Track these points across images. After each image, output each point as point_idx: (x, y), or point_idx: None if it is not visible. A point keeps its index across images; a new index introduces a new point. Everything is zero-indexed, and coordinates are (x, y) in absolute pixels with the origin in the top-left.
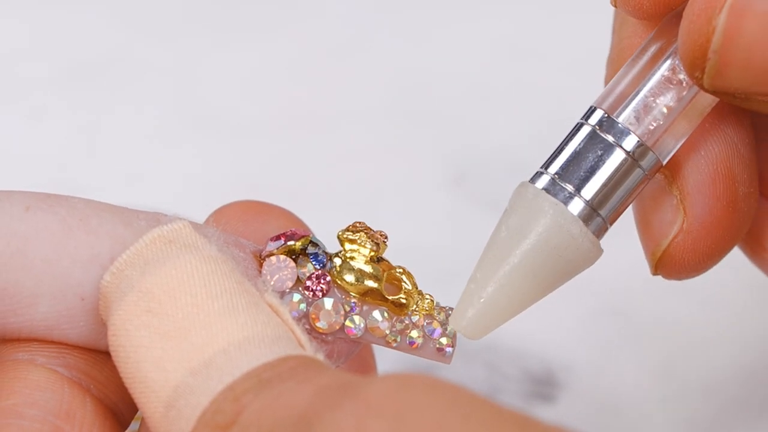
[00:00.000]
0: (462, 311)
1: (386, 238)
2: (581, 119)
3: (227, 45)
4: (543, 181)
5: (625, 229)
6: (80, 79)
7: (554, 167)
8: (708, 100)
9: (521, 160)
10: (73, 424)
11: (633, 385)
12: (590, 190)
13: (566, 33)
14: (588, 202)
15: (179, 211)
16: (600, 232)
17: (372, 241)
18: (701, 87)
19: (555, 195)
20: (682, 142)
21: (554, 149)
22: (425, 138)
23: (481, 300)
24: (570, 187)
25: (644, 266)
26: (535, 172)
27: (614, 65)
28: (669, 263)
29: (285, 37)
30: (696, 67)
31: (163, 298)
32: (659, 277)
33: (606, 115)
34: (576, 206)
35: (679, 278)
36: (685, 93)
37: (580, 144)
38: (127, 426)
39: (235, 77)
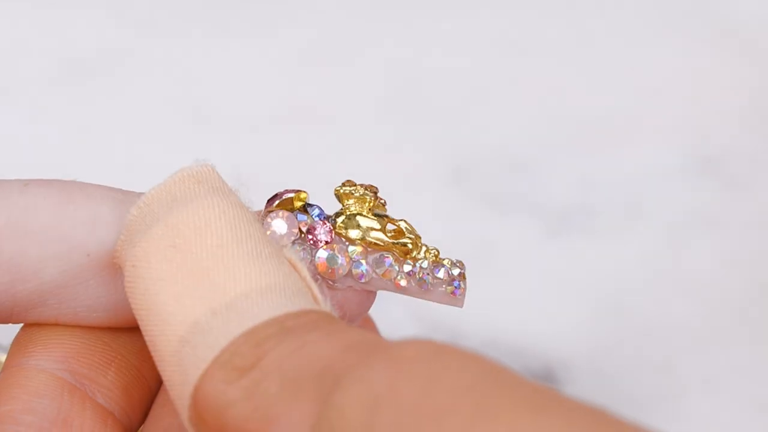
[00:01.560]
0: None
1: (375, 191)
2: None
3: (227, 42)
4: None
5: (626, 228)
6: (79, 76)
7: None
8: None
9: (521, 157)
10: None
11: (633, 383)
12: None
13: (566, 30)
14: None
15: None
16: None
17: (370, 192)
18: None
19: None
20: None
21: None
22: (425, 135)
23: None
24: None
25: (644, 265)
26: None
27: None
28: None
29: (285, 34)
30: None
31: (189, 234)
32: (659, 276)
33: None
34: None
35: None
36: None
37: None
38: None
39: (235, 74)
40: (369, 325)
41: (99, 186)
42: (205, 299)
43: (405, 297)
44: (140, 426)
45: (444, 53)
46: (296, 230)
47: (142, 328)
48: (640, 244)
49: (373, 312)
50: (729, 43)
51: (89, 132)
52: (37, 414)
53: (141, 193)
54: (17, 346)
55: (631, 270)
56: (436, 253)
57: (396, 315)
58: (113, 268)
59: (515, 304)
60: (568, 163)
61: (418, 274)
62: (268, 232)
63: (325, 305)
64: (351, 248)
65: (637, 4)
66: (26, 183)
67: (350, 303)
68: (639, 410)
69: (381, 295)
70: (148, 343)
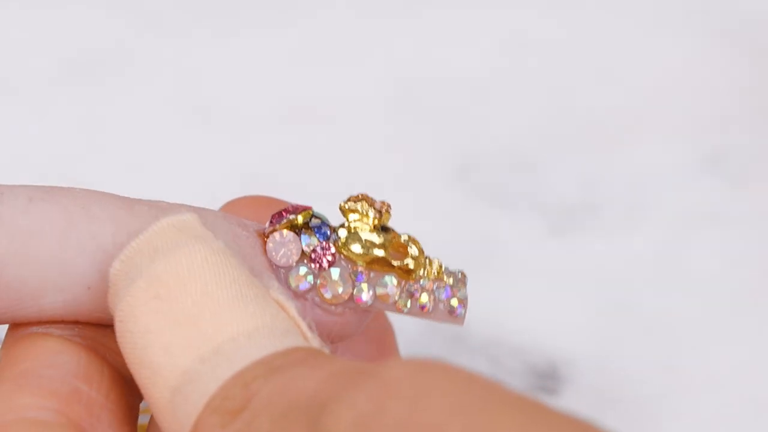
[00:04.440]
0: None
1: (389, 207)
2: None
3: (230, 39)
4: None
5: (630, 226)
6: (82, 75)
7: None
8: None
9: (525, 155)
10: (91, 386)
11: (636, 380)
12: None
13: (570, 29)
14: None
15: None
16: None
17: (374, 209)
18: None
19: None
20: None
21: None
22: (428, 133)
23: None
24: None
25: (649, 262)
26: None
27: None
28: None
29: (288, 31)
30: None
31: (172, 284)
32: (664, 272)
33: None
34: None
35: None
36: None
37: None
38: (141, 397)
39: (238, 71)
40: (389, 333)
41: (102, 202)
42: (192, 348)
43: None
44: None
45: (447, 51)
46: (300, 252)
47: (136, 380)
48: (645, 242)
49: None
50: (734, 41)
51: (93, 131)
52: (59, 368)
53: (146, 202)
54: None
55: (635, 268)
56: (439, 267)
57: (398, 315)
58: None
59: (519, 302)
60: (572, 161)
61: (419, 297)
62: (271, 254)
63: (314, 342)
64: (352, 272)
65: (642, 3)
66: (30, 198)
67: (349, 325)
68: (642, 408)
69: None
70: (143, 394)
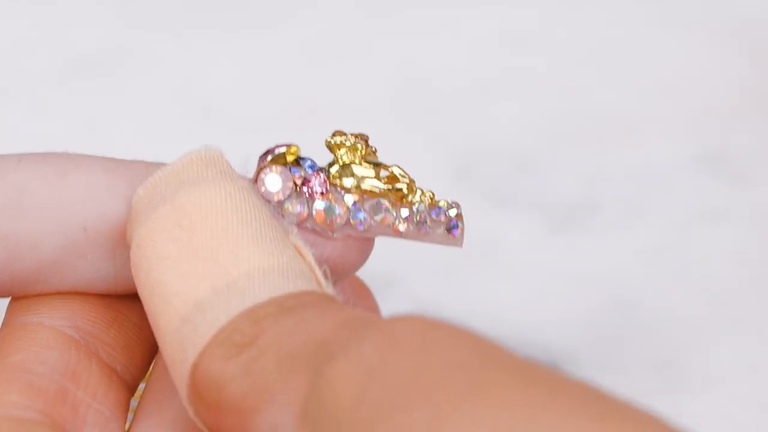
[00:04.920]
0: None
1: (366, 138)
2: None
3: (229, 38)
4: None
5: (630, 224)
6: (82, 73)
7: None
8: None
9: (525, 154)
10: (78, 385)
11: (637, 378)
12: None
13: (569, 26)
14: None
15: None
16: None
17: (361, 140)
18: None
19: None
20: None
21: None
22: (428, 132)
23: None
24: None
25: (649, 261)
26: None
27: None
28: None
29: (288, 31)
30: None
31: (195, 215)
32: (665, 270)
33: None
34: None
35: None
36: None
37: None
38: (134, 389)
39: (238, 71)
40: (374, 311)
41: (91, 157)
42: (208, 279)
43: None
44: (139, 382)
45: (447, 50)
46: (291, 184)
47: (145, 307)
48: (645, 240)
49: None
50: (734, 41)
51: (92, 130)
52: (48, 365)
53: (132, 161)
54: (17, 304)
55: (635, 266)
56: (431, 195)
57: (398, 309)
58: (111, 242)
59: (519, 300)
60: (572, 159)
61: (416, 218)
62: (263, 189)
63: (328, 288)
64: (347, 197)
65: (642, 3)
66: (20, 159)
67: (350, 252)
68: (643, 405)
69: (382, 292)
70: (150, 322)
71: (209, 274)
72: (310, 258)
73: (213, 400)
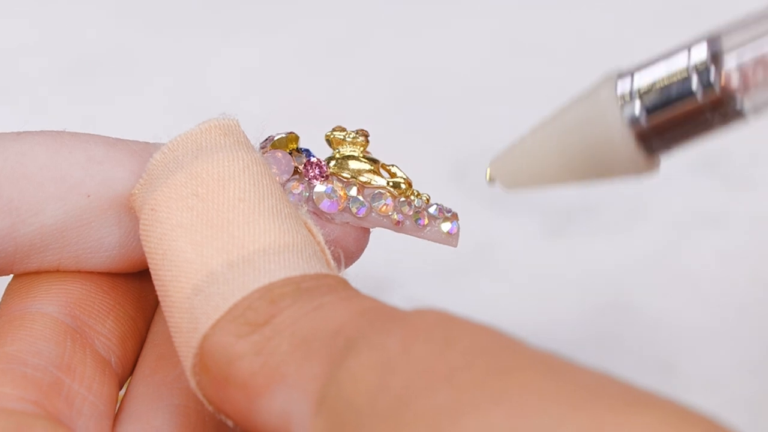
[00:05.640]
0: (498, 154)
1: (367, 134)
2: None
3: (230, 41)
4: (626, 85)
5: (627, 227)
6: (81, 74)
7: (645, 79)
8: None
9: None
10: (73, 378)
11: (636, 379)
12: (658, 117)
13: (567, 27)
14: (647, 122)
15: None
16: (654, 155)
17: (361, 135)
18: None
19: (624, 104)
20: None
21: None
22: (427, 134)
23: (515, 148)
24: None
25: (646, 263)
26: (631, 69)
27: None
28: None
29: (287, 33)
30: None
31: (212, 185)
32: (661, 275)
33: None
34: (634, 120)
35: None
36: None
37: (677, 72)
38: (124, 383)
39: (238, 73)
40: None
41: (90, 134)
42: (222, 251)
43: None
44: (129, 376)
45: (446, 52)
46: (292, 167)
47: (153, 272)
48: (642, 242)
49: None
50: None
51: (92, 131)
52: (43, 357)
53: (131, 141)
54: (13, 292)
55: (632, 269)
56: (428, 197)
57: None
58: (115, 209)
59: (517, 303)
60: None
61: (414, 212)
62: None
63: (336, 272)
64: (348, 186)
65: (642, 3)
66: (19, 133)
67: (347, 239)
68: None
69: (379, 294)
70: (158, 288)
71: (224, 247)
72: (320, 238)
73: (220, 374)
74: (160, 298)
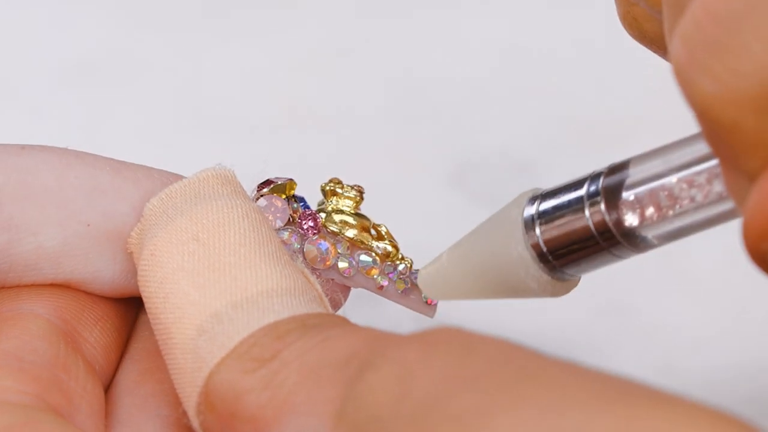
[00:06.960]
0: (426, 267)
1: (362, 191)
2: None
3: (229, 43)
4: (533, 208)
5: None
6: (81, 76)
7: (548, 203)
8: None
9: (520, 159)
10: (69, 376)
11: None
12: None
13: (565, 32)
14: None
15: None
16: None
17: (356, 191)
18: (755, 253)
19: (528, 228)
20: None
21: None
22: (425, 137)
23: (439, 263)
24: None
25: (647, 264)
26: (545, 191)
27: None
28: None
29: (286, 37)
30: (761, 240)
31: (212, 230)
32: (662, 276)
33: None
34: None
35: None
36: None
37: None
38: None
39: (237, 76)
40: None
41: (94, 155)
42: (226, 293)
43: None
44: (107, 387)
45: (445, 55)
46: (288, 216)
47: (153, 316)
48: None
49: (372, 311)
50: None
51: (91, 132)
52: (38, 354)
53: (136, 166)
54: (5, 293)
55: (632, 270)
56: (411, 262)
57: (395, 315)
58: (114, 244)
59: (516, 306)
60: (570, 164)
61: (397, 278)
62: None
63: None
64: (339, 244)
65: None
66: (23, 147)
67: (332, 288)
68: None
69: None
70: (158, 332)
71: (227, 289)
72: (318, 286)
73: (226, 411)
74: (160, 342)
